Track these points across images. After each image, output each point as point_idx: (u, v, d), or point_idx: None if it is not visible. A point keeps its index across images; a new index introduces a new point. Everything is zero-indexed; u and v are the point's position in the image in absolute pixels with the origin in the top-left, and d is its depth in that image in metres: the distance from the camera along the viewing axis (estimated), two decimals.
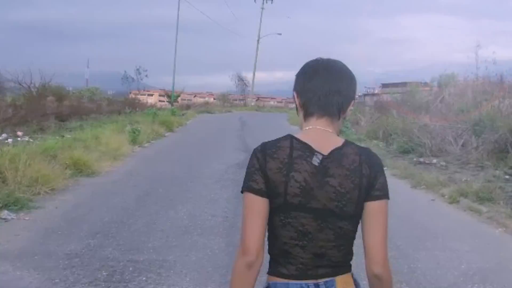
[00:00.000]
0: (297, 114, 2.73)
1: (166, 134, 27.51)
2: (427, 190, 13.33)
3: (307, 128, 2.58)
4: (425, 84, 40.61)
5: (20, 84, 37.27)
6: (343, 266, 2.54)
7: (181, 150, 21.43)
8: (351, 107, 2.65)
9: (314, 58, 2.72)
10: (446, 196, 12.32)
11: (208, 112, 55.34)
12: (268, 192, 2.46)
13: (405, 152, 20.52)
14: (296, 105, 2.70)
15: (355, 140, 23.00)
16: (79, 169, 13.55)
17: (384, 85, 57.72)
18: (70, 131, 22.52)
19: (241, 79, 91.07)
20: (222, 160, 17.33)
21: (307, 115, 2.61)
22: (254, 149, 2.57)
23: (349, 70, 2.67)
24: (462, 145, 19.03)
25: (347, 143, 2.54)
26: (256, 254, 2.42)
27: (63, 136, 19.24)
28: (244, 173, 2.54)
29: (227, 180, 13.53)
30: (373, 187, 2.48)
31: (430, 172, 15.45)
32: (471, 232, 9.56)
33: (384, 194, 2.51)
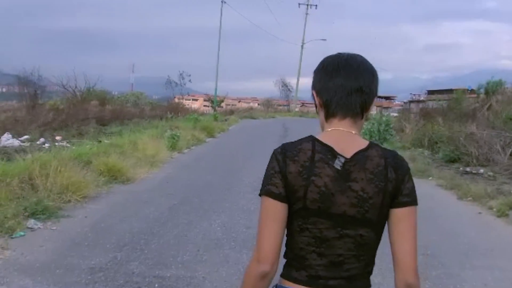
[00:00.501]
0: (317, 113, 2.60)
1: (207, 140, 27.14)
2: (474, 202, 12.64)
3: (329, 129, 2.46)
4: (471, 91, 40.21)
5: (65, 88, 37.74)
6: (361, 280, 2.42)
7: (221, 156, 21.01)
8: (373, 105, 2.51)
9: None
10: (494, 209, 11.63)
11: (251, 118, 55.12)
12: (287, 196, 2.35)
13: (451, 161, 19.87)
14: (315, 104, 2.56)
15: (399, 148, 22.61)
16: (114, 176, 13.21)
17: (430, 92, 57.48)
18: (110, 136, 22.35)
19: (285, 85, 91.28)
20: (262, 167, 16.59)
21: (328, 115, 2.48)
22: (274, 151, 2.45)
23: (371, 64, 2.52)
24: (511, 155, 18.34)
25: (372, 145, 2.41)
26: (271, 264, 2.33)
27: (100, 141, 19.02)
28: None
29: None
30: (400, 192, 2.36)
31: (477, 183, 14.73)
32: None
33: (412, 200, 2.39)
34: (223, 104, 66.64)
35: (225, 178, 14.86)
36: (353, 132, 2.43)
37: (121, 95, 52.79)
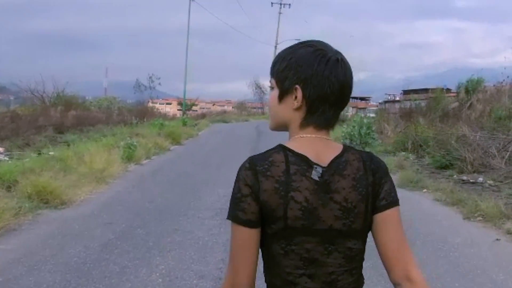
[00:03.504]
0: (278, 112, 2.22)
1: (171, 148, 24.93)
2: (485, 223, 10.22)
3: (302, 136, 2.11)
4: (448, 90, 40.14)
5: (33, 94, 36.23)
6: None
7: (183, 168, 18.30)
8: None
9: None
10: None
11: (224, 121, 54.53)
12: (264, 217, 2.01)
13: (442, 167, 17.64)
14: (291, 99, 2.12)
15: (382, 152, 21.21)
16: (45, 199, 10.75)
17: (405, 92, 57.54)
18: (62, 145, 19.90)
19: (258, 87, 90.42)
20: (229, 182, 14.31)
21: (309, 118, 2.09)
22: (241, 167, 2.06)
23: None
24: (509, 159, 16.19)
25: (346, 149, 2.13)
26: None
27: (40, 153, 16.49)
28: None
29: None
30: (378, 196, 2.09)
31: (481, 195, 12.34)
32: None
33: (392, 201, 2.11)
34: (196, 108, 65.48)
35: (183, 197, 12.39)
36: (326, 137, 2.12)
37: (94, 100, 51.71)
